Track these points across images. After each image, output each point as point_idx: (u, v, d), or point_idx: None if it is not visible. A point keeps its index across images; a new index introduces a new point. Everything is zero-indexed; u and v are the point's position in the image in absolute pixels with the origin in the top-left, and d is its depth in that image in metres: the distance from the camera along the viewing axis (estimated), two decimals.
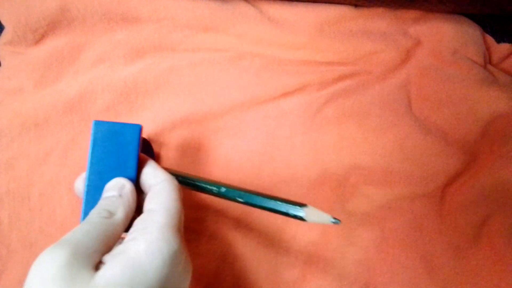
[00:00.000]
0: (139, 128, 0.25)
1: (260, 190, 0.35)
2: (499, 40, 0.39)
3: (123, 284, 0.18)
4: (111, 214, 0.22)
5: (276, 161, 0.36)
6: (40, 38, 0.36)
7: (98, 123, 0.24)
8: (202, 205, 0.35)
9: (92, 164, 0.24)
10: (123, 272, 0.19)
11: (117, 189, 0.23)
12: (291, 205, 0.24)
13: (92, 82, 0.36)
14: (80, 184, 0.24)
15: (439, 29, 0.38)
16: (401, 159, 0.36)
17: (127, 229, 0.23)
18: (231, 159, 0.36)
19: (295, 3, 0.38)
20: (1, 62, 0.37)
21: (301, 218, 0.24)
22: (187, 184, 0.28)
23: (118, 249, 0.20)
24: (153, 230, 0.21)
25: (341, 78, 0.37)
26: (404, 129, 0.36)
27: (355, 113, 0.37)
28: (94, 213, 0.22)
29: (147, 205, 0.23)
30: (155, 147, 0.36)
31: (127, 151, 0.24)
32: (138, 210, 0.24)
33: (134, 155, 0.24)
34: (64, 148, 0.35)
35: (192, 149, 0.36)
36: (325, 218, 0.24)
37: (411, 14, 0.39)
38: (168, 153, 0.36)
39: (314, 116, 0.37)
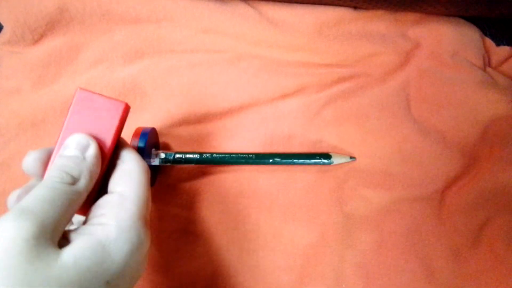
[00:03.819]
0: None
1: (258, 191, 0.35)
2: (498, 42, 0.39)
3: (91, 267, 0.18)
4: (74, 179, 0.20)
5: None
6: (38, 38, 0.36)
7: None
8: (199, 206, 0.35)
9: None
10: (92, 255, 0.18)
11: (80, 148, 0.21)
12: (319, 159, 0.34)
13: (90, 83, 0.36)
14: (30, 161, 0.22)
15: (439, 31, 0.38)
16: (400, 162, 0.35)
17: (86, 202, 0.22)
18: None
19: (294, 4, 0.38)
20: None
21: (330, 163, 0.34)
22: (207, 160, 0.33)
23: (85, 229, 0.20)
24: (124, 218, 0.20)
25: (340, 80, 0.37)
26: (403, 132, 0.36)
27: (354, 115, 0.37)
28: (56, 176, 0.20)
29: (115, 186, 0.22)
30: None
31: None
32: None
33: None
34: None
35: (190, 150, 0.36)
36: (346, 158, 0.35)
37: (411, 16, 0.39)
38: None
39: (313, 118, 0.37)
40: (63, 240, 0.19)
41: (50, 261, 0.17)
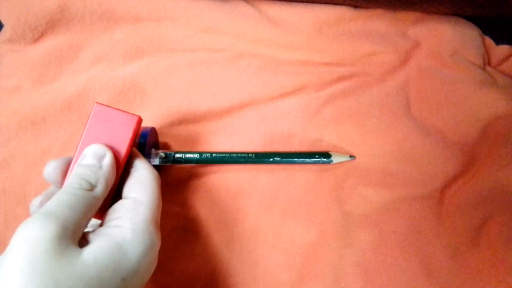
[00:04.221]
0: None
1: (258, 190, 0.35)
2: (498, 42, 0.39)
3: (109, 265, 0.20)
4: (92, 186, 0.22)
5: None
6: (39, 36, 0.36)
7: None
8: (199, 205, 0.35)
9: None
10: (111, 255, 0.20)
11: (97, 157, 0.23)
12: (319, 158, 0.34)
13: (90, 81, 0.36)
14: (50, 170, 0.24)
15: (438, 30, 0.38)
16: (400, 161, 0.36)
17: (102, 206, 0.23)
18: None
19: (294, 3, 0.38)
20: (0, 60, 0.37)
21: (329, 162, 0.34)
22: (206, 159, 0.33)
23: (103, 231, 0.22)
24: (139, 221, 0.22)
25: (339, 79, 0.37)
26: (402, 131, 0.36)
27: (353, 114, 0.37)
28: (75, 183, 0.22)
29: (129, 192, 0.24)
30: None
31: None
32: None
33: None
34: (61, 147, 0.35)
35: (190, 149, 0.36)
36: (346, 157, 0.35)
37: (410, 15, 0.39)
38: None
39: (312, 117, 0.37)
40: (83, 240, 0.21)
41: (73, 259, 0.19)
